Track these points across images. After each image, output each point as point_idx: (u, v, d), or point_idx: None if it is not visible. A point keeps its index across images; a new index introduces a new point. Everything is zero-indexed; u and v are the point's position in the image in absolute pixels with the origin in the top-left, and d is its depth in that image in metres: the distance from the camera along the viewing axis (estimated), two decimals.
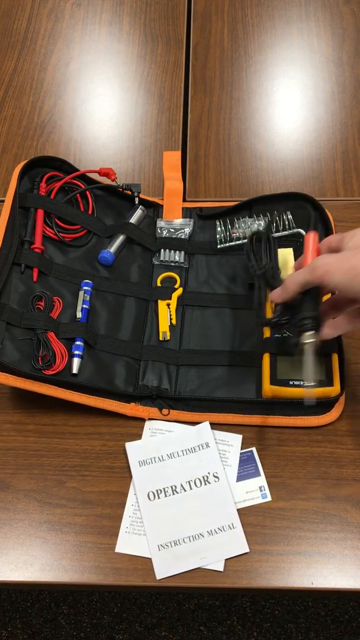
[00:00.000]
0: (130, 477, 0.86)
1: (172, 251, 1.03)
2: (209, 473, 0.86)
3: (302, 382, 0.87)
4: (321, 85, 1.25)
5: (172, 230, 1.05)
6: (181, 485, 0.85)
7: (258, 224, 1.01)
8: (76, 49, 1.33)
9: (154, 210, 1.08)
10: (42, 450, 0.89)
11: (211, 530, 0.82)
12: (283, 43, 1.32)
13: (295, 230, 1.01)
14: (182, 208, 1.08)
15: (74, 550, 0.82)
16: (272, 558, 0.81)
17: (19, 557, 0.82)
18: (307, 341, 0.81)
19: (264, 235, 0.99)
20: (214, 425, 0.89)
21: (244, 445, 0.88)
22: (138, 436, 0.89)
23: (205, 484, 0.85)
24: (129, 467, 0.87)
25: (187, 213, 1.07)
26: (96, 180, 1.05)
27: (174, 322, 0.97)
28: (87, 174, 1.05)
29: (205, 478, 0.85)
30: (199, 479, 0.85)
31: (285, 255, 0.99)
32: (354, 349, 0.95)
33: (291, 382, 0.88)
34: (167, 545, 0.81)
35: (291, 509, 0.83)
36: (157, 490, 0.85)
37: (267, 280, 0.93)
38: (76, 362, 0.90)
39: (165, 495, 0.84)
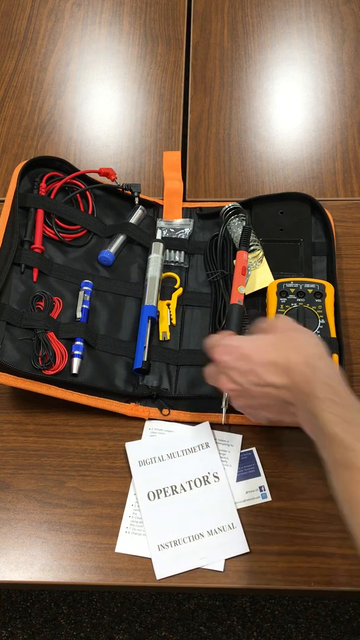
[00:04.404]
0: (130, 477, 0.86)
1: (172, 251, 1.03)
2: (209, 473, 0.86)
3: None
4: (321, 85, 1.25)
5: (172, 230, 1.04)
6: (181, 485, 0.85)
7: (244, 225, 1.00)
8: (76, 49, 1.33)
9: (154, 210, 1.08)
10: (42, 450, 0.89)
11: (211, 530, 0.82)
12: (283, 43, 1.32)
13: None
14: (182, 208, 1.08)
15: (74, 550, 0.82)
16: (272, 558, 0.80)
17: (19, 557, 0.82)
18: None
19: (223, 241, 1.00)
20: (214, 425, 0.89)
21: (244, 445, 0.88)
22: (138, 436, 0.89)
23: (205, 484, 0.85)
24: (129, 467, 0.87)
25: (187, 213, 1.07)
26: (96, 180, 1.05)
27: (174, 322, 0.97)
28: (87, 174, 1.04)
29: (205, 478, 0.85)
30: (199, 479, 0.85)
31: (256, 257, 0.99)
32: (354, 349, 0.95)
33: None
34: (167, 545, 0.81)
35: (291, 509, 0.83)
36: (157, 490, 0.85)
37: (217, 288, 0.97)
38: (76, 362, 0.90)
39: (165, 495, 0.84)
